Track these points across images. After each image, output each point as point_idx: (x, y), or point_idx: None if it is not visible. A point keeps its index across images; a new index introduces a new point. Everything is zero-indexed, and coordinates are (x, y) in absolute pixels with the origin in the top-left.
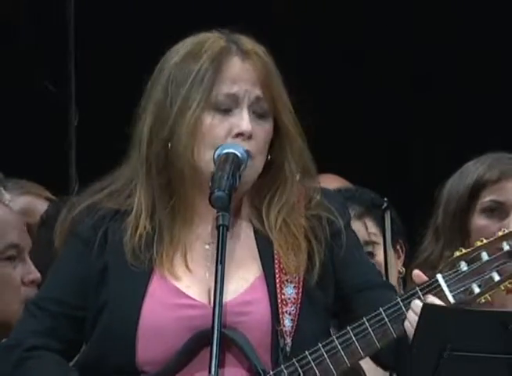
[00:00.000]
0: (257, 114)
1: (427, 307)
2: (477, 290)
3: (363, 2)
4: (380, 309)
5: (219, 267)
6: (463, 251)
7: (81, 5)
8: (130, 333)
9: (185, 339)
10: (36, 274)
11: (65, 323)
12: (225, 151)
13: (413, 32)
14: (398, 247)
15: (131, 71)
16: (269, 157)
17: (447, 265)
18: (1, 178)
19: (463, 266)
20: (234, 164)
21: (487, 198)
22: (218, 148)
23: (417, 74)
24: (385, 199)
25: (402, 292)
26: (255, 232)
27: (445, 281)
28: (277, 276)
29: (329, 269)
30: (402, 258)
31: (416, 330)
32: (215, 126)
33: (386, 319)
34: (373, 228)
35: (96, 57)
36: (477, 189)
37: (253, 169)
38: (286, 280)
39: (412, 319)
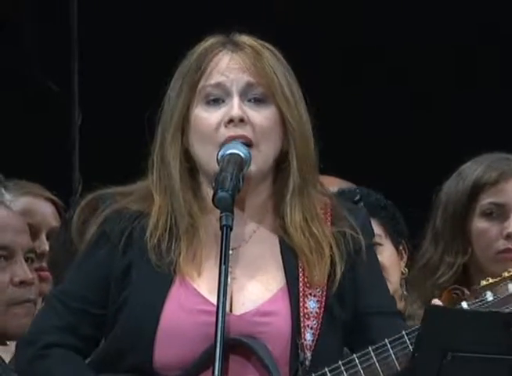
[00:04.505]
0: (254, 100)
1: (429, 309)
2: None
3: (363, 2)
4: (403, 332)
5: (223, 268)
6: (490, 280)
7: (84, 4)
8: (149, 333)
9: (204, 346)
10: (27, 275)
11: (85, 319)
12: (229, 152)
13: (414, 30)
14: (400, 248)
15: (135, 70)
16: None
17: (473, 293)
18: (2, 179)
19: (489, 296)
20: (237, 164)
21: (486, 201)
22: (221, 149)
23: (417, 72)
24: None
25: (405, 293)
26: (280, 242)
27: None
28: (301, 289)
29: (350, 285)
30: (405, 259)
31: (418, 331)
32: (207, 119)
33: (408, 343)
34: (376, 229)
35: (99, 56)
36: (475, 191)
37: (259, 158)
38: (310, 294)
39: None
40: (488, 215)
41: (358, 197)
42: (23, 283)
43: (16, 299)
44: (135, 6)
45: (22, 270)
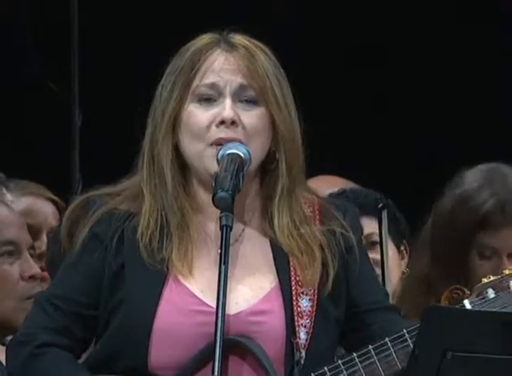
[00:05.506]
0: (245, 101)
1: (429, 309)
2: None
3: (362, 2)
4: (404, 331)
5: (223, 268)
6: (491, 278)
7: (84, 4)
8: (144, 335)
9: (199, 345)
10: (35, 269)
11: (76, 321)
12: (229, 152)
13: (414, 30)
14: (402, 248)
15: (135, 70)
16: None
17: (475, 291)
18: (3, 179)
19: (491, 293)
20: (237, 164)
21: (485, 240)
22: (221, 148)
23: (418, 72)
24: (379, 198)
25: None
26: (271, 242)
27: (472, 307)
28: (293, 287)
29: (343, 283)
30: (406, 259)
31: (418, 331)
32: (199, 116)
33: (409, 342)
34: (373, 228)
35: (100, 56)
36: (476, 227)
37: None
38: (302, 293)
39: None
40: (483, 254)
41: (381, 205)
42: (32, 277)
43: (27, 294)
44: (135, 6)
45: (30, 265)
